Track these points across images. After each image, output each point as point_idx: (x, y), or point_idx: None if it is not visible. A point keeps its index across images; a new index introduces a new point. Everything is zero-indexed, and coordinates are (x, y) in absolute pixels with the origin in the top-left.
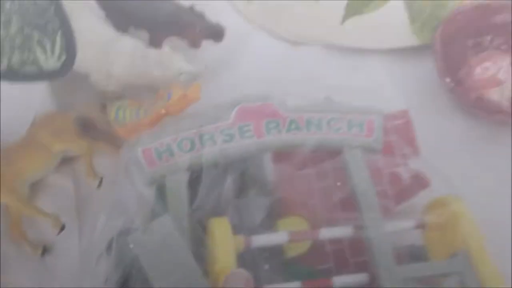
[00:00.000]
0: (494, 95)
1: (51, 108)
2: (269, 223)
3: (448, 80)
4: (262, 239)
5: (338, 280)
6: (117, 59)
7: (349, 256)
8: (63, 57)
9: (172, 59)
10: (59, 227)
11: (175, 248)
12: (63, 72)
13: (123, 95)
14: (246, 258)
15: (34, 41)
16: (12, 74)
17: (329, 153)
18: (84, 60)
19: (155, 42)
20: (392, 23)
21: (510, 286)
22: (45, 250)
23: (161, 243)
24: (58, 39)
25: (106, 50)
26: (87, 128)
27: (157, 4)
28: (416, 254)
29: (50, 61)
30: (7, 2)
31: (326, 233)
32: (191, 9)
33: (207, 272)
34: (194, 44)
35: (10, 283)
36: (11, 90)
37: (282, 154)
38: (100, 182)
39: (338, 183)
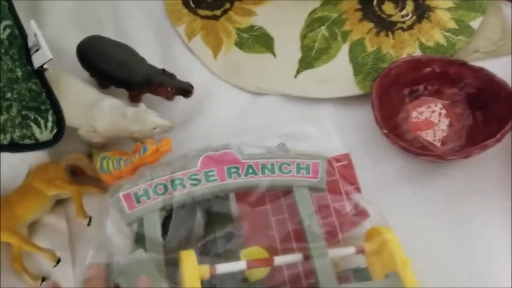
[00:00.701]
0: (428, 136)
1: (44, 158)
2: (233, 253)
3: (382, 126)
4: (225, 267)
5: None
6: (100, 117)
7: (303, 278)
8: (55, 130)
9: (147, 115)
10: (55, 260)
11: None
12: (55, 142)
13: (106, 145)
14: (213, 284)
15: (31, 120)
16: (14, 147)
17: (283, 191)
18: (72, 117)
19: (133, 98)
20: (338, 75)
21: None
22: (44, 280)
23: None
24: (50, 117)
25: (90, 109)
26: (76, 175)
27: (133, 68)
28: (360, 275)
29: (44, 134)
30: (8, 92)
31: (280, 260)
32: (163, 71)
33: None
34: (168, 98)
35: None
36: None
37: (243, 194)
38: (89, 220)
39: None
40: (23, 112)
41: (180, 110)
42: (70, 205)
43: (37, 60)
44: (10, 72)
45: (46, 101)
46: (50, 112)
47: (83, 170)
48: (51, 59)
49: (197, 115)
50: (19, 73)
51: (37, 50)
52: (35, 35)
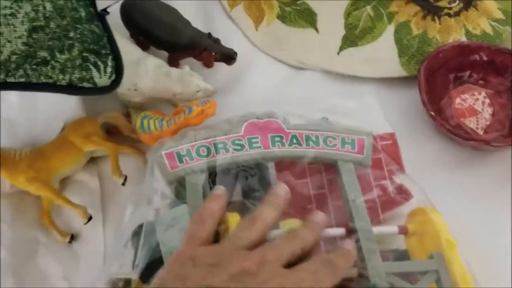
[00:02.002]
0: (471, 123)
1: (79, 114)
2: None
3: (429, 108)
4: (268, 235)
5: None
6: (144, 75)
7: None
8: (113, 76)
9: (192, 78)
10: (86, 218)
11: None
12: (112, 88)
13: (143, 105)
14: None
15: (91, 63)
16: (72, 89)
17: (324, 166)
18: None
19: (172, 61)
20: (382, 55)
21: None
22: (73, 237)
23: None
24: (109, 62)
25: (135, 67)
26: (111, 133)
27: (179, 29)
28: (399, 257)
29: (103, 79)
30: (71, 31)
31: (323, 233)
32: (209, 35)
33: None
34: (208, 64)
35: (41, 267)
36: (47, 97)
37: (284, 165)
38: (125, 180)
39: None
40: (84, 54)
41: (220, 78)
42: (102, 164)
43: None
44: (74, 11)
45: (107, 45)
46: (110, 57)
47: (119, 129)
48: (117, 1)
49: (236, 84)
50: (82, 13)
51: None
52: None
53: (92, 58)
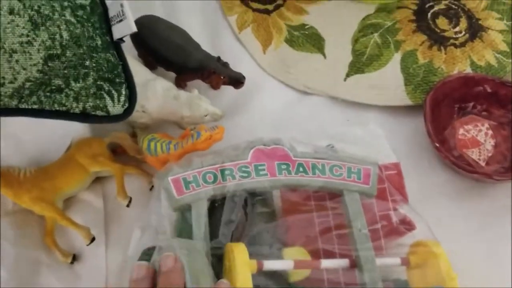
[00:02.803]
0: (473, 155)
1: (86, 133)
2: (276, 251)
3: (434, 140)
4: (272, 265)
5: None
6: (152, 97)
7: (343, 284)
8: (126, 105)
9: (200, 102)
10: (89, 239)
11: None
12: (125, 117)
13: (149, 128)
14: (257, 279)
15: (105, 91)
16: (85, 117)
17: (329, 194)
18: None
19: (180, 83)
20: (388, 83)
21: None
22: (75, 258)
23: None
24: (123, 91)
25: (143, 88)
26: (116, 153)
27: (189, 52)
28: (400, 287)
29: (116, 108)
30: (87, 60)
31: (326, 263)
32: (218, 58)
33: None
34: (215, 87)
35: (41, 287)
36: None
37: (289, 192)
38: (129, 201)
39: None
40: (99, 83)
41: (226, 100)
42: (107, 184)
43: (118, 31)
44: (91, 40)
45: (122, 74)
46: (124, 86)
47: (124, 150)
48: (135, 31)
49: (242, 107)
50: (99, 42)
51: (120, 20)
52: (121, 5)
53: (106, 86)
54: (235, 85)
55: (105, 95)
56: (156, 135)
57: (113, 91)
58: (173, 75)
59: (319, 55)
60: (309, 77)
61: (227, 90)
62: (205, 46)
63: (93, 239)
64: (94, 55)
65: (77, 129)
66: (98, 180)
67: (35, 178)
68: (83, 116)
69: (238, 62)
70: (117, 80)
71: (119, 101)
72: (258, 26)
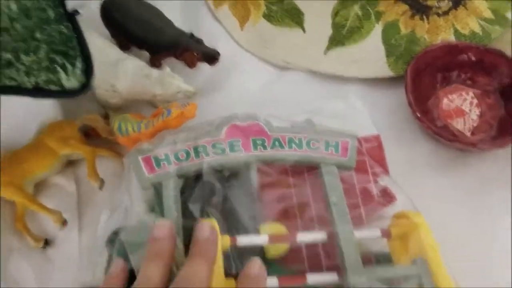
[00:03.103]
0: (458, 125)
1: (56, 116)
2: (253, 227)
3: (415, 109)
4: (246, 240)
5: (311, 277)
6: (122, 76)
7: (322, 259)
8: (82, 79)
9: (172, 79)
10: (61, 223)
11: None
12: (82, 91)
13: (122, 108)
14: (231, 256)
15: (59, 65)
16: (38, 92)
17: (307, 168)
18: None
19: (154, 62)
20: (369, 55)
21: None
22: (47, 243)
23: (145, 238)
24: (78, 64)
25: (113, 67)
26: (89, 136)
27: (161, 29)
28: (382, 260)
29: (71, 81)
30: (37, 31)
31: (303, 237)
32: (191, 35)
33: None
34: (190, 64)
35: (13, 273)
36: (23, 99)
37: (266, 167)
38: (102, 184)
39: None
40: (51, 56)
41: (203, 79)
42: (79, 167)
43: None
44: (42, 12)
45: (76, 47)
46: (79, 59)
47: (97, 132)
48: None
49: (220, 85)
50: (50, 13)
51: None
52: None
53: (59, 59)
54: (209, 61)
55: (58, 68)
56: (128, 115)
57: (67, 64)
58: (147, 54)
59: (299, 29)
60: (288, 52)
61: (205, 68)
62: (181, 24)
63: (65, 223)
64: (46, 27)
65: (47, 112)
66: (71, 163)
67: (4, 163)
68: (35, 91)
69: (216, 40)
70: (72, 52)
71: (74, 74)
72: (235, 3)
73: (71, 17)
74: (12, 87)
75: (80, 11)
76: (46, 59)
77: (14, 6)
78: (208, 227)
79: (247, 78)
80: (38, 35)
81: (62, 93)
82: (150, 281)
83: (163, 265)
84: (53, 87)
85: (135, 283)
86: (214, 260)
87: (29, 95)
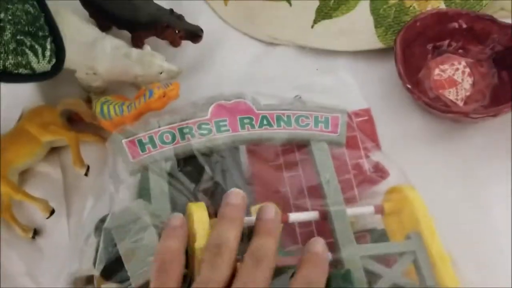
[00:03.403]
0: (450, 95)
1: (38, 102)
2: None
3: (406, 81)
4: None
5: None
6: (101, 57)
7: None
8: (53, 61)
9: (153, 58)
10: (48, 211)
11: (144, 228)
12: (53, 74)
13: (106, 90)
14: None
15: (27, 47)
16: (7, 76)
17: (297, 145)
18: (70, 57)
19: (136, 41)
20: (358, 27)
21: None
22: (36, 232)
23: (133, 224)
24: (48, 45)
25: (91, 48)
26: (73, 121)
27: (138, 6)
28: (377, 236)
29: (41, 64)
30: (1, 12)
31: (295, 217)
32: (171, 11)
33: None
34: (174, 43)
35: (3, 264)
36: (2, 85)
37: (255, 147)
38: (87, 170)
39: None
40: (18, 37)
41: (187, 57)
42: (65, 154)
43: None
44: None
45: (45, 26)
46: (49, 39)
47: (80, 117)
48: None
49: (206, 63)
50: None
51: None
52: None
53: (28, 41)
54: (192, 39)
55: (27, 50)
56: (110, 97)
57: (36, 46)
58: (128, 34)
59: (284, 2)
60: (274, 26)
61: (189, 47)
62: (161, 2)
63: (52, 212)
64: (9, 6)
65: (27, 98)
66: (55, 150)
67: None
68: (4, 75)
69: (198, 15)
70: (40, 33)
71: (44, 56)
72: None
73: None
74: None
75: None
76: (13, 41)
77: None
78: (274, 208)
79: (233, 55)
80: (2, 15)
81: (33, 77)
82: (228, 242)
83: (237, 228)
84: (23, 71)
85: (211, 239)
86: (278, 239)
87: None
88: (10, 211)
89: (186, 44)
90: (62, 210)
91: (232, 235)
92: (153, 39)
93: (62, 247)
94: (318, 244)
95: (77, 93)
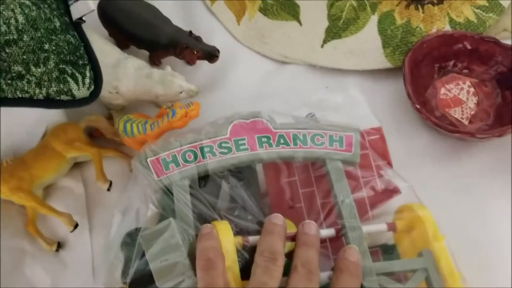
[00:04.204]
0: (456, 114)
1: (61, 119)
2: (262, 224)
3: (414, 101)
4: (257, 239)
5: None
6: (124, 77)
7: (331, 254)
8: (92, 87)
9: (174, 78)
10: (72, 225)
11: (174, 247)
12: (92, 100)
13: (126, 108)
14: (243, 254)
15: (68, 75)
16: (50, 103)
17: (312, 163)
18: None
19: (154, 60)
20: (366, 47)
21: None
22: (60, 245)
23: (163, 242)
24: (87, 73)
25: (114, 69)
26: (94, 137)
27: (158, 27)
28: (388, 252)
29: (81, 91)
30: (46, 43)
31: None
32: (190, 33)
33: None
34: (190, 62)
35: (28, 277)
36: None
37: (271, 164)
38: (110, 185)
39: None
40: (61, 66)
41: (202, 75)
42: (87, 168)
43: (77, 10)
44: (48, 22)
45: (84, 55)
46: (88, 67)
47: (102, 133)
48: (93, 10)
49: (220, 81)
50: (57, 23)
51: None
52: None
53: (69, 69)
54: (209, 59)
55: (68, 78)
56: (132, 115)
57: (77, 74)
58: (146, 53)
59: (295, 22)
60: (285, 45)
61: (204, 65)
62: (177, 21)
63: (76, 226)
64: (53, 37)
65: (52, 115)
66: (78, 165)
67: (12, 168)
68: (47, 102)
69: (212, 35)
70: (80, 62)
71: (84, 83)
72: None
73: (76, 25)
74: (25, 99)
75: (84, 18)
76: (56, 69)
77: (21, 18)
78: (315, 226)
79: (247, 73)
80: (46, 46)
81: (73, 103)
82: (280, 251)
83: (283, 244)
84: (64, 97)
85: (264, 246)
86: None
87: (42, 106)
88: (35, 225)
89: (201, 62)
90: (85, 224)
91: (281, 247)
92: (169, 58)
93: (85, 260)
94: (355, 253)
95: (98, 109)
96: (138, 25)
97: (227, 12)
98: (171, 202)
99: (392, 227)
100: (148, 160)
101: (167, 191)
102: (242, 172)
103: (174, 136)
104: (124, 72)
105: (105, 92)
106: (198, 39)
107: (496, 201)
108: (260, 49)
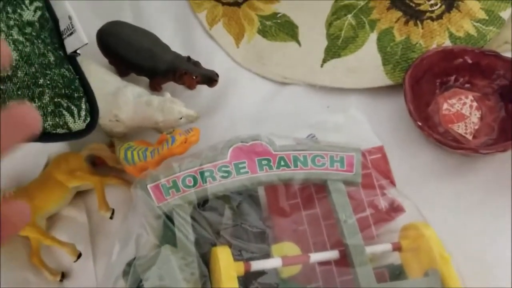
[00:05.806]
0: (459, 129)
1: (63, 148)
2: (264, 248)
3: (416, 118)
4: (260, 264)
5: None
6: (124, 105)
7: (336, 275)
8: (88, 120)
9: (173, 105)
10: (76, 255)
11: (170, 275)
12: (88, 132)
13: (127, 135)
14: (246, 279)
15: (64, 108)
16: (46, 137)
17: (314, 185)
18: None
19: (154, 86)
20: (366, 65)
21: None
22: (64, 276)
23: (159, 269)
24: (83, 105)
25: (114, 97)
26: (96, 165)
27: (157, 55)
28: (395, 272)
29: (77, 123)
30: (40, 78)
31: (316, 257)
32: (188, 58)
33: None
34: (190, 87)
35: None
36: None
37: (273, 187)
38: (112, 213)
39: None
40: (56, 100)
41: (203, 99)
42: (89, 197)
43: (71, 44)
44: (42, 57)
45: (79, 88)
46: (83, 99)
47: (104, 161)
48: (86, 43)
49: (220, 104)
50: (51, 58)
51: (71, 33)
52: (70, 18)
53: (64, 103)
54: (208, 83)
55: (64, 112)
56: (133, 143)
57: (72, 107)
58: (147, 79)
59: (294, 43)
60: (285, 66)
61: (204, 89)
62: (177, 46)
63: (79, 255)
64: (48, 72)
65: (54, 145)
66: (80, 194)
67: (14, 199)
68: (43, 137)
69: (212, 58)
70: (76, 94)
71: (79, 116)
72: (229, 20)
73: (71, 58)
74: None
75: (79, 51)
76: (51, 103)
77: (15, 54)
78: None
79: (246, 95)
80: (41, 80)
81: (70, 136)
82: None
83: None
84: (60, 131)
85: None
86: None
87: (38, 140)
88: (39, 255)
89: (201, 86)
90: (88, 253)
91: None
92: (169, 83)
93: None
94: None
95: (100, 138)
96: (137, 53)
97: (226, 35)
98: (172, 228)
99: (397, 247)
100: (148, 186)
101: (168, 218)
102: (243, 195)
103: (174, 161)
104: (123, 100)
105: (106, 120)
106: (196, 64)
107: (503, 218)
108: (259, 71)
